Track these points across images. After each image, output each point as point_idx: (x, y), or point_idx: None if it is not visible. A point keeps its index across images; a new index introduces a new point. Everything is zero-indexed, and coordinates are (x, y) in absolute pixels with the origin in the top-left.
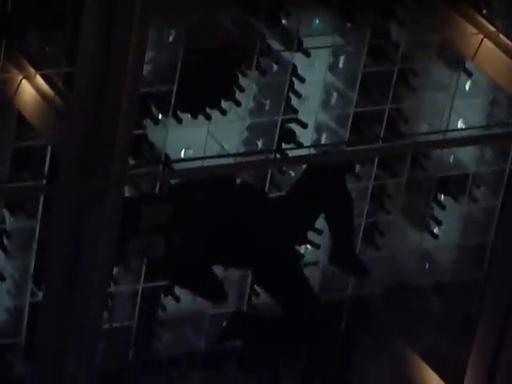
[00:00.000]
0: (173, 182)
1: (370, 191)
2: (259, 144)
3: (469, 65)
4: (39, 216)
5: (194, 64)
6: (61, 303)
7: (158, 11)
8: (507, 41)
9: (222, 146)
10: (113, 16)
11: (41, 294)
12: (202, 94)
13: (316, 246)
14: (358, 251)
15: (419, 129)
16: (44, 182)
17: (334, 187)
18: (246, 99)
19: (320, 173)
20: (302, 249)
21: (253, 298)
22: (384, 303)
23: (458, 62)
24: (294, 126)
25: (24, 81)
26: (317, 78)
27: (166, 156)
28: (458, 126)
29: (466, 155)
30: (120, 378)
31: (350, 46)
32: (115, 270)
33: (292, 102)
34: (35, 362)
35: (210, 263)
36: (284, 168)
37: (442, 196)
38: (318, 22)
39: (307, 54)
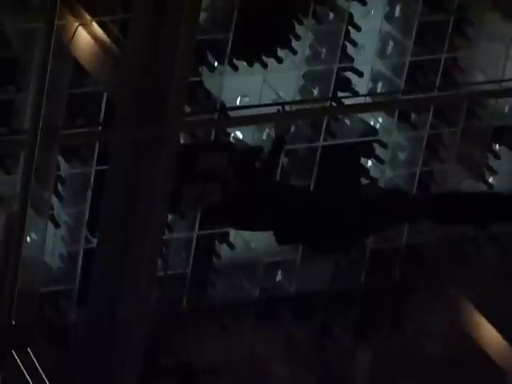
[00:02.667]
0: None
1: (425, 140)
2: (315, 92)
3: None
4: (94, 163)
5: (250, 12)
6: (115, 250)
7: None
8: None
9: (278, 94)
10: None
11: (95, 241)
12: (258, 42)
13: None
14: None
15: (475, 78)
16: (99, 128)
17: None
18: (302, 47)
19: None
20: None
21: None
22: (439, 251)
23: None
24: (349, 74)
25: (80, 28)
26: (373, 27)
27: (222, 103)
28: None
29: None
30: (174, 325)
31: None
32: (170, 218)
33: (348, 51)
34: (88, 310)
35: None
36: (340, 116)
37: (497, 145)
38: None
39: (363, 3)
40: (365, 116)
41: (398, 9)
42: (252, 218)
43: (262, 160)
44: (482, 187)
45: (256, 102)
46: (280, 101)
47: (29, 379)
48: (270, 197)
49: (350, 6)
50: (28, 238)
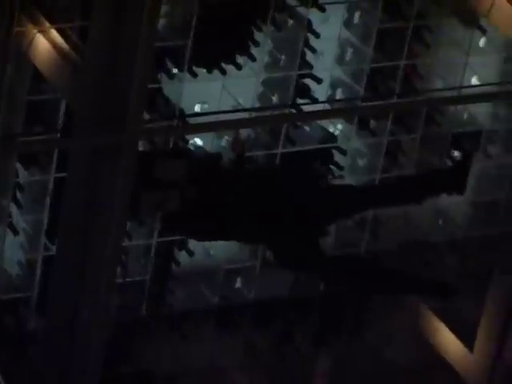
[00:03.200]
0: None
1: (384, 147)
2: (274, 99)
3: (483, 22)
4: (53, 170)
5: (210, 19)
6: (74, 258)
7: None
8: None
9: (237, 101)
10: None
11: (54, 249)
12: (218, 49)
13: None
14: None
15: (434, 85)
16: (58, 135)
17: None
18: (262, 54)
19: None
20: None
21: (267, 253)
22: (398, 259)
23: (472, 19)
24: (308, 81)
25: (39, 34)
26: (332, 34)
27: (181, 110)
28: (473, 83)
29: (480, 111)
30: (133, 332)
31: (365, 1)
32: (129, 225)
33: (307, 58)
34: (47, 317)
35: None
36: (299, 123)
37: (456, 152)
38: None
39: (322, 10)
40: (324, 123)
41: (357, 16)
42: (211, 227)
43: (223, 170)
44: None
45: (215, 109)
46: (239, 107)
47: None
48: (231, 204)
49: (309, 13)
50: None
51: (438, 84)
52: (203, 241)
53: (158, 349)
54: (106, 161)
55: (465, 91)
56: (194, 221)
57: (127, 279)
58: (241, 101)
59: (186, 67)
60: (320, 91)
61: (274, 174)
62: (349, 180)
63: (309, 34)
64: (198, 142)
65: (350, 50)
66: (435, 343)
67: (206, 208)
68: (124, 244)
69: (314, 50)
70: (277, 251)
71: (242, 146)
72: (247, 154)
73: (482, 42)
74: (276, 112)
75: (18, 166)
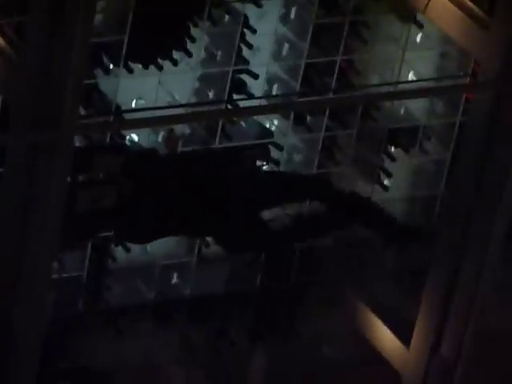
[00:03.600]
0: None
1: (320, 142)
2: (210, 95)
3: (420, 17)
4: None
5: (146, 14)
6: (11, 253)
7: None
8: None
9: (174, 97)
10: None
11: None
12: (154, 45)
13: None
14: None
15: (370, 80)
16: None
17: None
18: (198, 50)
19: None
20: None
21: (203, 248)
22: (335, 255)
23: (409, 15)
24: (245, 76)
25: None
26: (268, 29)
27: (117, 106)
28: (409, 78)
29: (417, 107)
30: (70, 328)
31: None
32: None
33: (243, 53)
34: None
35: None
36: (235, 119)
37: (393, 148)
38: None
39: (259, 5)
40: (260, 118)
41: (293, 11)
42: (148, 228)
43: (158, 166)
44: (378, 189)
45: (151, 105)
46: (175, 103)
47: None
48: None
49: (245, 9)
50: None
51: (375, 79)
52: (142, 243)
53: (94, 344)
54: (41, 156)
55: (401, 86)
56: (131, 223)
57: (63, 275)
58: (177, 97)
59: (122, 63)
60: (256, 87)
61: (209, 166)
62: None
63: (245, 30)
64: (135, 137)
65: (286, 46)
66: (372, 339)
67: (142, 204)
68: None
69: (250, 46)
70: (218, 236)
71: (176, 142)
72: (183, 149)
73: (418, 37)
74: (212, 108)
75: None
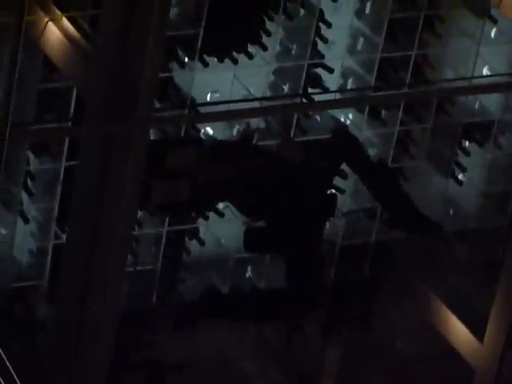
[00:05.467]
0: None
1: (395, 137)
2: (285, 88)
3: (494, 12)
4: (64, 158)
5: (221, 8)
6: (85, 246)
7: None
8: None
9: (249, 90)
10: None
11: (64, 237)
12: (229, 38)
13: (341, 191)
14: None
15: (445, 75)
16: (69, 124)
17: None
18: (273, 43)
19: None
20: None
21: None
22: (408, 248)
23: (483, 10)
24: (320, 70)
25: (50, 23)
26: (343, 23)
27: (192, 99)
28: (484, 73)
29: (492, 102)
30: (143, 321)
31: None
32: (140, 213)
33: (318, 47)
34: (57, 305)
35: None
36: (310, 112)
37: (467, 142)
38: None
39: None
40: (335, 112)
41: (368, 5)
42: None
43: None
44: (452, 184)
45: (226, 98)
46: (250, 97)
47: None
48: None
49: (320, 3)
50: None
51: (449, 74)
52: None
53: (167, 338)
54: (116, 149)
55: (476, 81)
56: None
57: (138, 268)
58: (252, 90)
59: (197, 56)
60: (331, 81)
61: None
62: None
63: (320, 24)
64: (209, 131)
65: (361, 40)
66: (445, 334)
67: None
68: (134, 232)
69: (325, 40)
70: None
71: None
72: (259, 142)
73: (493, 32)
74: (287, 101)
75: (29, 154)
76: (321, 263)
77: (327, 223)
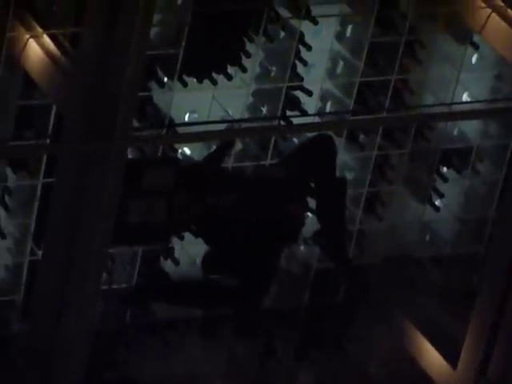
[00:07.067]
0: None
1: (373, 161)
2: (264, 110)
3: (476, 38)
4: (41, 175)
5: (201, 28)
6: (60, 263)
7: None
8: None
9: (227, 111)
10: None
11: (40, 253)
12: (209, 59)
13: (312, 211)
14: (356, 226)
15: (424, 100)
16: (47, 141)
17: (324, 167)
18: (252, 65)
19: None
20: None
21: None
22: (383, 274)
23: (465, 35)
24: (299, 93)
25: (31, 40)
26: (323, 47)
27: (171, 119)
28: (464, 99)
29: (471, 128)
30: (117, 339)
31: (358, 15)
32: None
33: (298, 70)
34: (32, 321)
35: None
36: (288, 135)
37: (445, 168)
38: None
39: (315, 22)
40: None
41: (349, 29)
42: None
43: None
44: (429, 209)
45: (205, 119)
46: (229, 118)
47: None
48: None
49: (301, 25)
50: None
51: (429, 99)
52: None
53: (141, 356)
54: (94, 167)
55: (455, 107)
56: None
57: (113, 286)
58: (230, 111)
59: (176, 76)
60: (310, 104)
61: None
62: None
63: (300, 46)
64: (187, 151)
65: (341, 64)
66: (418, 359)
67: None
68: (110, 251)
69: (305, 63)
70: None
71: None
72: (235, 164)
73: (474, 58)
74: (265, 123)
75: (7, 169)
76: (264, 289)
77: (291, 248)
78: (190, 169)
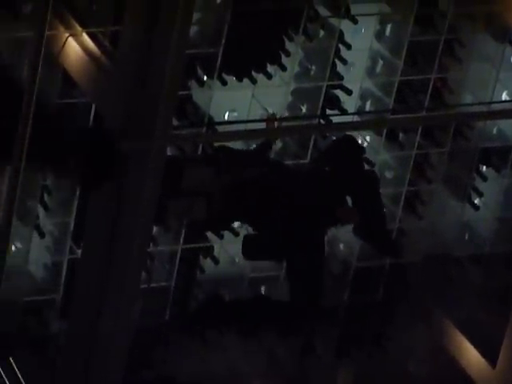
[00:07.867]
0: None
1: (412, 160)
2: (303, 109)
3: None
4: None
5: (241, 27)
6: (100, 262)
7: None
8: None
9: (266, 110)
10: None
11: (79, 252)
12: (248, 58)
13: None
14: (396, 223)
15: (464, 99)
16: None
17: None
18: (292, 64)
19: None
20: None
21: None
22: (423, 272)
23: (504, 34)
24: (338, 92)
25: (70, 38)
26: (363, 45)
27: (210, 118)
28: (503, 98)
29: (510, 127)
30: (156, 338)
31: (398, 14)
32: (155, 231)
33: (337, 69)
34: (71, 321)
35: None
36: (327, 134)
37: (484, 167)
38: None
39: (354, 21)
40: (353, 134)
41: (388, 28)
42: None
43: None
44: (468, 208)
45: (244, 118)
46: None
47: None
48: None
49: (341, 24)
50: (13, 247)
51: (468, 98)
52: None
53: (180, 355)
54: (133, 166)
55: (495, 106)
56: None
57: (152, 285)
58: (270, 110)
59: (216, 75)
60: (350, 102)
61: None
62: None
63: (340, 45)
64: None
65: (380, 62)
66: (458, 358)
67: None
68: (149, 249)
69: (344, 61)
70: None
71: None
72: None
73: None
74: (305, 122)
75: None
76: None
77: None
78: (232, 166)
